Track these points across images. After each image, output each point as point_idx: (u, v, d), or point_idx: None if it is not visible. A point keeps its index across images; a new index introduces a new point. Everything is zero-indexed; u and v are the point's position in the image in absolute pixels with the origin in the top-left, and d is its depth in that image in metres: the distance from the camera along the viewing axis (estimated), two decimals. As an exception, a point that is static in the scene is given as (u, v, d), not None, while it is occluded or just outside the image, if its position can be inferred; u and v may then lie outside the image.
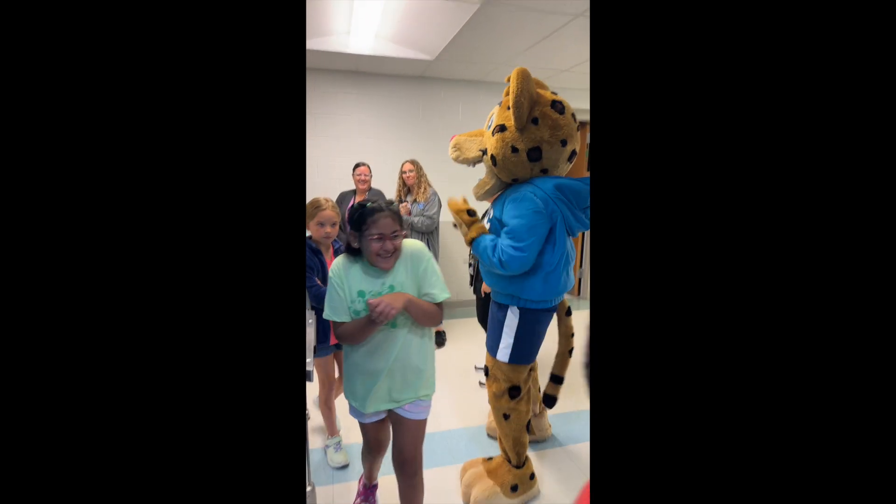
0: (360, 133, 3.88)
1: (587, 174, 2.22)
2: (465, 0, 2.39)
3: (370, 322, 1.18)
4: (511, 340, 1.63)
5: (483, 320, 2.49)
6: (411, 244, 1.29)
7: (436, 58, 3.32)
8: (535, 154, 1.54)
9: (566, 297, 1.77)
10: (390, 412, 1.34)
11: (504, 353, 1.64)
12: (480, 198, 1.79)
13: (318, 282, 1.70)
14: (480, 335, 1.79)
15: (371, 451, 1.48)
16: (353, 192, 3.23)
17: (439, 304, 1.29)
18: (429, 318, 1.27)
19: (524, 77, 1.47)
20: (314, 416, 2.16)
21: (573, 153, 1.60)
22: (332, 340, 1.79)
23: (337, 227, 1.77)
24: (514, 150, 1.56)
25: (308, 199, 1.71)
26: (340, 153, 3.80)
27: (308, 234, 1.77)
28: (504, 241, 1.51)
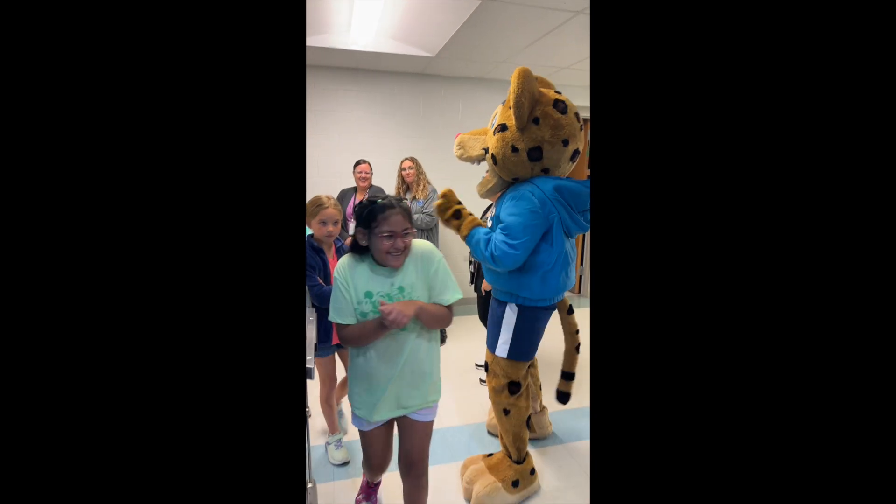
0: (360, 130, 3.87)
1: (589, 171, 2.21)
2: (465, -3, 2.38)
3: (380, 327, 1.14)
4: (510, 337, 1.64)
5: (484, 318, 2.49)
6: (421, 244, 1.25)
7: (436, 55, 3.31)
8: (535, 154, 1.54)
9: (567, 295, 1.77)
10: (397, 418, 1.31)
11: (503, 349, 1.66)
12: (483, 196, 1.79)
13: (320, 281, 1.68)
14: (481, 333, 1.80)
15: (372, 468, 1.41)
16: (354, 190, 3.23)
17: (449, 306, 1.25)
18: (439, 321, 1.23)
19: (525, 77, 1.46)
20: (315, 414, 2.17)
21: (576, 153, 1.60)
22: (335, 340, 1.79)
23: (339, 225, 1.74)
24: (515, 149, 1.56)
25: (308, 197, 1.69)
26: (341, 150, 3.80)
27: (309, 232, 1.75)
28: (498, 237, 1.52)
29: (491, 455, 1.79)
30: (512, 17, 2.60)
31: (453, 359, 2.91)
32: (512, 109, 1.52)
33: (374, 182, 3.27)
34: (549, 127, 1.51)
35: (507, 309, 1.65)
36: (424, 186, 3.20)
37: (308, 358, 1.37)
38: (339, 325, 1.22)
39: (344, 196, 3.20)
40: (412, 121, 3.99)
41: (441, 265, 1.25)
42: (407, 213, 1.17)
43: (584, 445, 2.07)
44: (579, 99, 2.36)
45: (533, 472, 1.74)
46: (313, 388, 2.03)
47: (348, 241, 2.46)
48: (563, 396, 1.78)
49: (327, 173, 3.73)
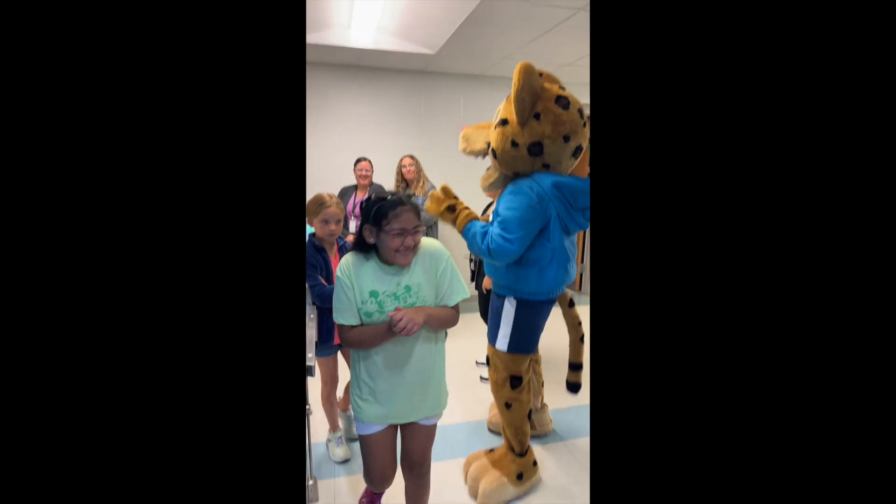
0: (360, 128, 3.86)
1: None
2: (466, -7, 2.37)
3: (388, 332, 1.11)
4: (509, 330, 1.66)
5: (485, 315, 2.49)
6: (429, 242, 1.22)
7: (437, 52, 3.30)
8: (535, 149, 1.54)
9: (567, 290, 1.78)
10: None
11: (503, 342, 1.68)
12: (486, 189, 1.81)
13: (322, 280, 1.67)
14: (482, 330, 1.80)
15: (374, 480, 1.30)
16: (355, 188, 3.23)
17: (455, 305, 1.22)
18: (446, 323, 1.20)
19: (526, 72, 1.46)
20: (316, 411, 2.18)
21: (578, 149, 1.59)
22: (336, 340, 1.79)
23: (341, 224, 1.72)
24: (514, 144, 1.56)
25: (309, 195, 1.69)
26: (341, 148, 3.79)
27: (311, 230, 1.73)
28: (494, 230, 1.53)
29: (493, 450, 1.80)
30: (513, 14, 2.59)
31: (454, 356, 2.92)
32: (513, 104, 1.52)
33: (375, 180, 3.27)
34: (550, 122, 1.50)
35: (506, 302, 1.66)
36: (424, 183, 3.20)
37: (308, 356, 1.37)
38: (342, 326, 1.18)
39: (344, 194, 3.20)
40: (413, 118, 3.99)
41: (449, 264, 1.21)
42: (416, 210, 1.13)
43: (585, 443, 2.07)
44: (581, 96, 2.36)
45: (535, 463, 1.76)
46: (314, 386, 2.03)
47: (349, 238, 2.45)
48: (573, 387, 1.80)
49: (327, 171, 3.73)
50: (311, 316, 1.66)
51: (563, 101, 1.52)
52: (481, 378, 2.68)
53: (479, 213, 1.75)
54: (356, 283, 1.14)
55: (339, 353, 1.89)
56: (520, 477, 1.70)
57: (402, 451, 1.31)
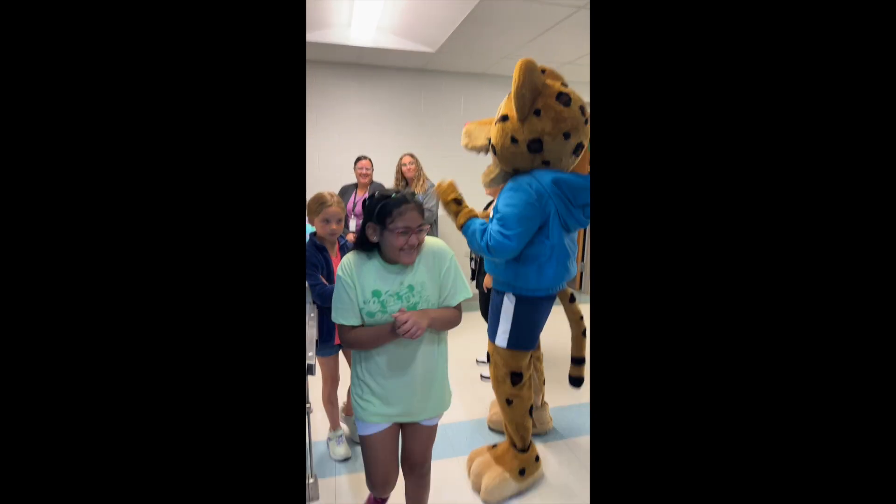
0: (360, 126, 3.86)
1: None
2: (466, -9, 2.37)
3: (390, 334, 1.09)
4: (508, 326, 1.66)
5: (485, 314, 2.49)
6: (433, 241, 1.20)
7: (437, 50, 3.29)
8: (535, 146, 1.54)
9: (567, 286, 1.78)
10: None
11: (502, 338, 1.69)
12: (487, 185, 1.81)
13: (323, 280, 1.66)
14: (482, 329, 1.80)
15: (376, 484, 1.26)
16: (355, 186, 3.23)
17: (458, 305, 1.21)
18: (450, 324, 1.19)
19: (527, 68, 1.45)
20: (317, 409, 2.18)
21: (579, 146, 1.58)
22: (337, 340, 1.79)
23: (343, 223, 1.71)
24: (514, 140, 1.56)
25: (309, 193, 1.68)
26: (341, 146, 3.79)
27: (312, 230, 1.72)
28: (493, 227, 1.54)
29: (496, 446, 1.81)
30: (513, 12, 2.58)
31: (454, 355, 2.89)
32: (513, 100, 1.52)
33: (375, 178, 3.27)
34: (551, 119, 1.50)
35: (505, 299, 1.67)
36: (424, 182, 3.19)
37: (309, 354, 1.37)
38: (342, 326, 1.15)
39: (345, 192, 3.20)
40: (413, 117, 3.98)
41: (453, 264, 1.20)
42: (421, 208, 1.12)
43: (585, 441, 2.07)
44: (581, 95, 2.35)
45: (537, 458, 1.77)
46: (315, 384, 2.03)
47: (350, 236, 2.44)
48: (575, 381, 1.81)
49: (328, 169, 3.73)
50: (312, 315, 1.66)
51: (564, 98, 1.52)
52: (482, 377, 2.68)
53: (479, 211, 1.75)
54: (358, 283, 1.12)
55: (341, 353, 1.89)
56: (522, 472, 1.70)
57: (403, 451, 1.30)
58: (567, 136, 1.53)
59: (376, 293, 1.12)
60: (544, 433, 2.12)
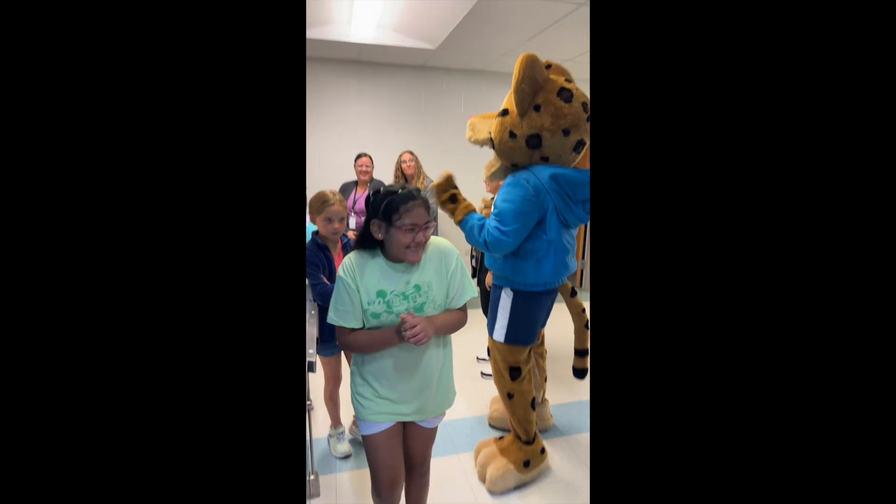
0: (361, 123, 3.86)
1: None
2: (467, -12, 2.36)
3: (395, 337, 1.05)
4: (506, 321, 1.67)
5: (486, 311, 2.50)
6: (439, 240, 1.17)
7: (438, 47, 3.28)
8: (534, 141, 1.53)
9: (568, 281, 1.78)
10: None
11: (500, 333, 1.70)
12: (489, 179, 1.82)
13: (325, 279, 1.64)
14: (482, 326, 1.81)
15: (383, 488, 1.20)
16: (355, 183, 3.22)
17: (464, 306, 1.18)
18: (456, 327, 1.16)
19: (528, 63, 1.45)
20: (318, 406, 2.18)
21: (580, 143, 1.58)
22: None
23: (345, 222, 1.69)
24: (512, 135, 1.55)
25: (309, 190, 1.68)
26: (341, 144, 3.78)
27: (314, 228, 1.70)
28: (491, 223, 1.54)
29: (502, 438, 1.82)
30: (514, 9, 2.57)
31: (454, 352, 2.91)
32: (513, 94, 1.51)
33: (375, 175, 3.27)
34: (550, 115, 1.50)
35: (503, 293, 1.68)
36: (423, 179, 3.19)
37: (309, 352, 1.37)
38: (340, 329, 1.11)
39: (345, 190, 3.20)
40: (413, 114, 3.98)
41: (459, 263, 1.16)
42: (427, 204, 1.08)
43: (585, 438, 2.07)
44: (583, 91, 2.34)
45: (543, 451, 1.78)
46: (317, 383, 2.04)
47: (350, 234, 2.43)
48: (579, 373, 1.82)
49: (328, 167, 3.73)
50: (312, 312, 1.67)
51: (566, 94, 1.51)
52: (482, 374, 2.68)
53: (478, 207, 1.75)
54: (362, 283, 1.08)
55: (343, 353, 1.89)
56: (526, 464, 1.72)
57: (404, 451, 1.29)
58: (567, 132, 1.52)
59: (381, 293, 1.08)
60: (545, 430, 2.12)
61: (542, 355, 2.07)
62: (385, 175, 3.50)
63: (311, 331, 1.52)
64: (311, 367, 1.37)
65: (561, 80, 1.55)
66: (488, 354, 1.82)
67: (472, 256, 2.71)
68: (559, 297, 1.76)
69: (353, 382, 1.20)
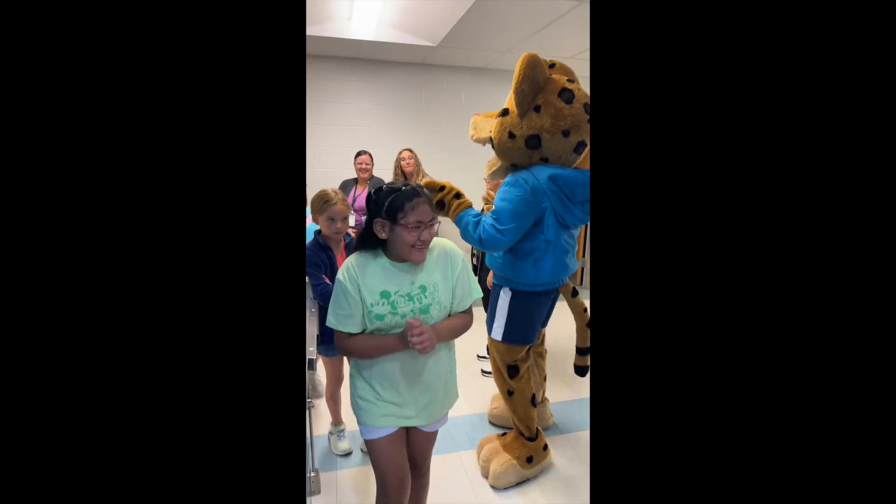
0: (361, 121, 3.85)
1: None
2: (467, -15, 2.35)
3: (398, 343, 1.03)
4: (504, 320, 1.68)
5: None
6: (443, 241, 1.14)
7: (438, 44, 3.27)
8: (533, 142, 1.53)
9: (569, 281, 1.79)
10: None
11: (498, 332, 1.71)
12: (490, 178, 1.82)
13: (326, 279, 1.62)
14: (482, 324, 1.81)
15: (391, 493, 1.16)
16: (355, 181, 3.22)
17: (469, 308, 1.17)
18: (461, 331, 1.14)
19: (528, 63, 1.44)
20: (320, 406, 2.19)
21: (580, 144, 1.57)
22: None
23: (347, 221, 1.66)
24: (511, 135, 1.55)
25: (309, 188, 1.67)
26: (341, 141, 3.78)
27: (316, 227, 1.68)
28: (487, 220, 1.54)
29: (505, 434, 1.84)
30: (514, 6, 2.57)
31: (455, 350, 2.92)
32: (513, 95, 1.51)
33: (375, 173, 3.27)
34: (550, 116, 1.49)
35: (502, 293, 1.69)
36: (423, 177, 3.19)
37: (309, 349, 1.38)
38: (339, 333, 1.07)
39: (345, 187, 3.20)
40: (414, 111, 3.97)
41: (465, 265, 1.14)
42: (431, 201, 1.05)
43: (585, 436, 2.08)
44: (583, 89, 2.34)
45: (546, 447, 1.79)
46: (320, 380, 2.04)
47: (351, 232, 2.43)
48: (580, 370, 1.83)
49: (328, 164, 3.72)
50: (313, 310, 1.67)
51: (567, 95, 1.50)
52: (483, 371, 2.69)
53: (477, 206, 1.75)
54: (364, 285, 1.04)
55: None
56: (529, 460, 1.73)
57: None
58: (567, 133, 1.52)
59: (385, 294, 1.05)
60: (545, 429, 2.13)
61: (541, 355, 2.08)
62: (385, 172, 3.50)
63: (311, 329, 1.52)
64: (312, 365, 1.37)
65: (563, 81, 1.54)
66: (488, 353, 1.83)
67: (472, 255, 2.71)
68: (561, 296, 1.76)
69: (352, 385, 1.17)
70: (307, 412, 1.58)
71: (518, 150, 1.57)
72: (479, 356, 2.88)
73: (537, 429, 1.78)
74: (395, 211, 1.00)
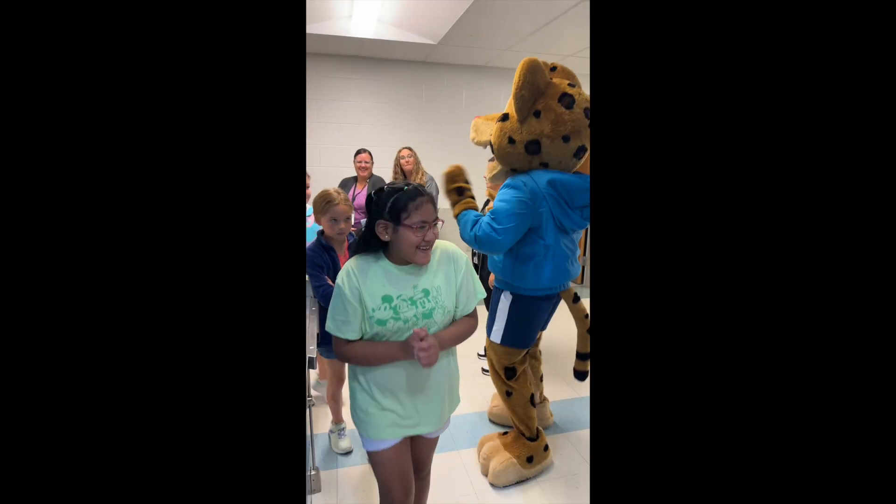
0: (361, 119, 3.85)
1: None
2: (468, -17, 2.34)
3: (400, 352, 1.00)
4: (503, 324, 1.69)
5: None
6: (445, 243, 1.11)
7: (439, 42, 3.27)
8: (533, 147, 1.53)
9: (572, 286, 1.79)
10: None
11: (497, 334, 1.71)
12: (490, 181, 1.83)
13: (328, 280, 1.61)
14: (484, 322, 1.82)
15: (395, 502, 1.13)
16: (354, 179, 3.22)
17: (474, 310, 1.14)
18: (467, 335, 1.11)
19: (528, 69, 1.44)
20: (320, 403, 2.19)
21: (581, 149, 1.56)
22: None
23: (350, 221, 1.64)
24: (511, 141, 1.55)
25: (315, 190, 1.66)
26: (341, 139, 3.78)
27: (319, 228, 1.67)
28: (485, 220, 1.55)
29: (506, 433, 1.84)
30: (515, 4, 2.56)
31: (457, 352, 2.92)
32: (513, 100, 1.51)
33: (376, 171, 3.26)
34: (550, 121, 1.49)
35: (503, 296, 1.69)
36: (422, 175, 3.19)
37: (310, 348, 1.38)
38: (337, 339, 1.04)
39: (344, 186, 3.20)
40: (414, 109, 3.97)
41: (468, 267, 1.11)
42: (434, 200, 1.03)
43: (585, 434, 2.08)
44: (584, 88, 2.33)
45: (546, 448, 1.80)
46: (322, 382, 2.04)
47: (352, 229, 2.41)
48: (579, 375, 1.84)
49: (328, 163, 3.72)
50: (313, 308, 1.67)
51: (567, 100, 1.49)
52: (483, 370, 2.69)
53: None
54: (366, 289, 1.00)
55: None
56: (530, 460, 1.74)
57: None
58: (567, 139, 1.51)
59: (387, 298, 1.01)
60: (545, 428, 2.13)
61: (535, 356, 2.09)
62: (386, 171, 3.50)
63: (311, 327, 1.52)
64: (312, 364, 1.37)
65: (563, 85, 1.53)
66: (485, 353, 1.83)
67: (473, 254, 2.71)
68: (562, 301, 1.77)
69: (352, 397, 1.13)
70: (307, 410, 1.58)
71: (518, 155, 1.56)
72: (479, 354, 2.88)
73: (538, 429, 1.79)
74: (399, 211, 0.97)
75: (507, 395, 1.75)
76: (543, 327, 1.87)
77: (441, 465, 1.81)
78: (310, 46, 3.40)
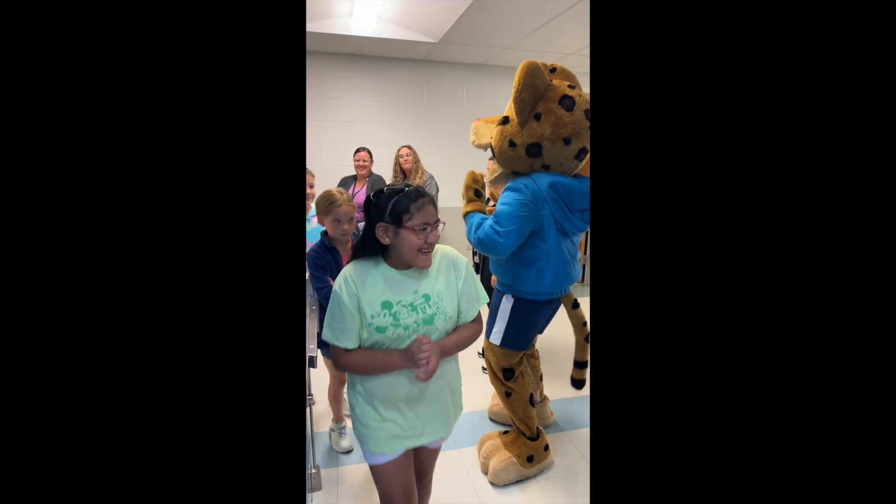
0: (361, 117, 3.84)
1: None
2: (468, -18, 2.34)
3: (400, 361, 0.97)
4: (503, 326, 1.69)
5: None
6: (445, 248, 1.09)
7: (439, 40, 3.26)
8: (534, 150, 1.53)
9: (571, 291, 1.79)
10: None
11: (496, 336, 1.72)
12: (491, 184, 1.83)
13: (331, 282, 1.59)
14: (484, 321, 1.82)
15: None
16: (354, 178, 3.21)
17: (478, 315, 1.11)
18: (470, 342, 1.08)
19: (528, 71, 1.43)
20: (321, 402, 2.19)
21: (582, 151, 1.56)
22: None
23: (353, 222, 1.62)
24: (512, 144, 1.55)
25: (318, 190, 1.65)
26: (341, 138, 3.77)
27: (322, 228, 1.66)
28: (487, 222, 1.56)
29: (506, 432, 1.85)
30: (516, 2, 2.56)
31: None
32: (513, 103, 1.51)
33: (376, 170, 3.26)
34: (551, 124, 1.48)
35: (504, 298, 1.69)
36: (422, 174, 3.18)
37: (310, 347, 1.38)
38: (335, 348, 1.00)
39: (343, 184, 3.20)
40: (414, 108, 3.96)
41: (469, 271, 1.08)
42: (434, 201, 1.00)
43: (585, 433, 2.09)
44: (584, 87, 2.33)
45: (546, 447, 1.80)
46: (321, 377, 2.04)
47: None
48: (576, 383, 1.84)
49: (327, 161, 3.72)
50: (313, 308, 1.67)
51: (568, 102, 1.49)
52: (483, 369, 2.69)
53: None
54: (364, 295, 0.97)
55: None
56: (530, 459, 1.74)
57: None
58: (567, 141, 1.51)
59: (386, 304, 0.98)
60: (545, 427, 2.13)
61: (533, 355, 2.10)
62: (385, 169, 3.50)
63: (311, 327, 1.52)
64: (312, 363, 1.37)
65: (564, 87, 1.52)
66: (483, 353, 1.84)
67: (474, 254, 2.71)
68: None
69: (352, 410, 1.09)
70: (308, 409, 1.59)
71: (519, 158, 1.56)
72: (479, 353, 2.89)
73: (539, 428, 1.80)
74: (400, 213, 0.94)
75: (506, 395, 1.75)
76: (541, 330, 1.87)
77: (441, 464, 1.80)
78: (310, 45, 3.39)
